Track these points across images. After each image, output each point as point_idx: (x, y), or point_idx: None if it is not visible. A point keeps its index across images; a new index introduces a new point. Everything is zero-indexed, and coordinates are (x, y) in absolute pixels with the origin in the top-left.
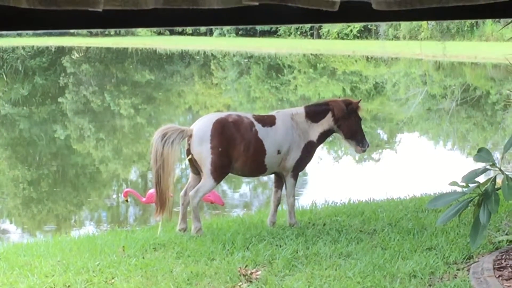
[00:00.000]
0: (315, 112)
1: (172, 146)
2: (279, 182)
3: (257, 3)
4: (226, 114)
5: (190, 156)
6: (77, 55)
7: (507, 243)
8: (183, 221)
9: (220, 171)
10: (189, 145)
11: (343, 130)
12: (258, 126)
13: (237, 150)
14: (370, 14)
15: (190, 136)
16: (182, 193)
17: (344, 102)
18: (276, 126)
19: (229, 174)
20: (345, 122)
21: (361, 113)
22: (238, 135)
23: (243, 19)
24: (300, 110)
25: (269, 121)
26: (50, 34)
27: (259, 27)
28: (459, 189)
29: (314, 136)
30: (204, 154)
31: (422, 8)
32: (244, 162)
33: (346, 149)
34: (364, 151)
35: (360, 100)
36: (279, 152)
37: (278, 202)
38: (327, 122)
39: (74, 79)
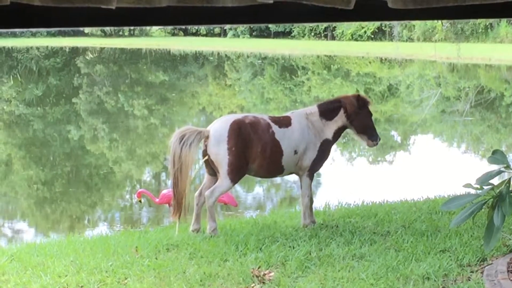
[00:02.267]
0: (328, 110)
1: (190, 148)
2: None
3: (271, 1)
4: (243, 115)
5: (206, 157)
6: (91, 56)
7: None
8: (197, 221)
9: (237, 172)
10: (205, 146)
11: (355, 125)
12: (275, 128)
13: (254, 151)
14: (386, 13)
15: (207, 137)
16: (196, 193)
17: (355, 97)
18: (292, 126)
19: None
20: (357, 117)
21: (375, 115)
22: (255, 136)
23: (257, 18)
24: (314, 109)
25: (285, 122)
26: (65, 35)
27: (273, 28)
28: (473, 191)
29: (329, 134)
30: (221, 155)
31: (438, 6)
32: (261, 163)
33: (360, 151)
34: (375, 145)
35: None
36: (295, 152)
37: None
38: (340, 119)
39: (88, 79)
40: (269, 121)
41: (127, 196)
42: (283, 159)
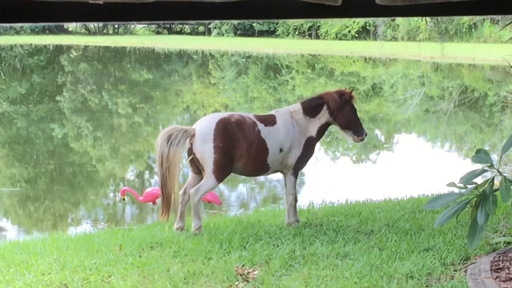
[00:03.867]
0: (311, 107)
1: (177, 148)
2: None
3: None
4: (229, 114)
5: (191, 157)
6: (75, 54)
7: (505, 245)
8: (181, 219)
9: (223, 170)
10: (191, 144)
11: (339, 121)
12: (260, 126)
13: (240, 149)
14: (374, 9)
15: (193, 135)
16: (181, 192)
17: (337, 93)
18: (277, 125)
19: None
20: (340, 113)
21: (359, 114)
22: (240, 135)
23: (244, 13)
24: (297, 107)
25: (270, 121)
26: (48, 32)
27: (257, 27)
28: (456, 190)
29: (313, 131)
30: (207, 153)
31: (426, 3)
32: (247, 161)
33: (344, 149)
34: (362, 140)
35: (353, 90)
36: (281, 150)
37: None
38: (323, 115)
39: (72, 77)
40: (255, 119)
41: (111, 194)
42: (268, 157)
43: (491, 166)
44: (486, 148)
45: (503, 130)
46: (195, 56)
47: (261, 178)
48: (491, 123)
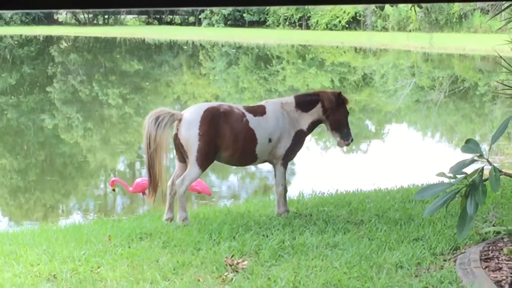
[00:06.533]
0: (305, 102)
1: (164, 130)
2: None
3: None
4: (218, 104)
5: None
6: (65, 45)
7: (494, 234)
8: (170, 210)
9: (206, 159)
10: (177, 130)
11: (330, 121)
12: (249, 116)
13: (226, 140)
14: None
15: (179, 120)
16: (169, 183)
17: (333, 94)
18: (266, 115)
19: (218, 163)
20: (334, 113)
21: (349, 104)
22: (227, 125)
23: (236, 0)
24: (290, 99)
25: (259, 111)
26: (38, 23)
27: (247, 17)
28: (446, 180)
29: (304, 125)
30: (192, 139)
31: None
32: (234, 151)
33: (334, 139)
34: (347, 145)
35: (340, 92)
36: (270, 140)
37: (285, 192)
38: (317, 112)
39: (62, 68)
40: (243, 110)
41: (101, 185)
42: (257, 147)
43: (481, 156)
44: (477, 138)
45: (493, 120)
46: (186, 47)
47: (252, 168)
48: (481, 113)
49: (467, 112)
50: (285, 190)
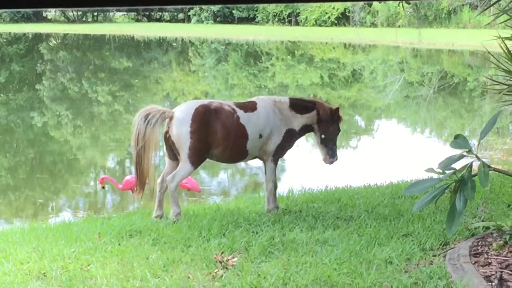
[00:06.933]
0: (300, 106)
1: (154, 127)
2: None
3: None
4: (208, 101)
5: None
6: (55, 42)
7: (483, 230)
8: (159, 208)
9: (198, 156)
10: (168, 127)
11: (321, 133)
12: (240, 113)
13: (217, 137)
14: None
15: (171, 118)
16: (158, 180)
17: (330, 108)
18: (257, 111)
19: (208, 160)
20: (326, 125)
21: (339, 101)
22: (219, 122)
23: None
24: (284, 99)
25: (250, 107)
26: (27, 20)
27: (236, 14)
28: (435, 176)
29: (296, 126)
30: (183, 137)
31: None
32: (225, 148)
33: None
34: (331, 162)
35: (339, 107)
36: (260, 136)
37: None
38: (311, 117)
39: (51, 66)
40: (234, 106)
41: (91, 183)
42: (248, 143)
43: (470, 151)
44: (466, 133)
45: (483, 116)
46: (175, 44)
47: (242, 165)
48: (470, 108)
49: (456, 108)
50: (275, 187)
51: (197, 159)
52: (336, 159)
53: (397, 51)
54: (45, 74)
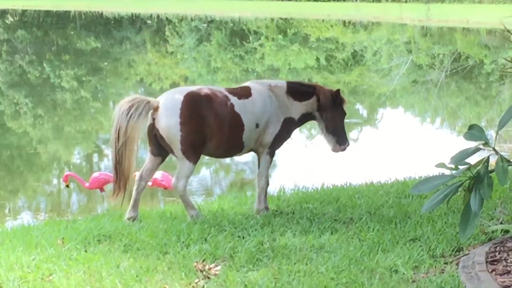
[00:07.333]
0: (298, 91)
1: (137, 121)
2: None
3: None
4: (198, 87)
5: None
6: (12, 19)
7: (502, 233)
8: (134, 208)
9: (193, 150)
10: (153, 119)
11: (325, 121)
12: (233, 100)
13: (211, 127)
14: None
15: (156, 109)
16: (137, 177)
17: (331, 91)
18: (252, 97)
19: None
20: (329, 112)
21: (337, 85)
22: (211, 110)
23: None
24: (281, 83)
25: (244, 93)
26: None
27: None
28: (447, 172)
29: (295, 114)
30: (173, 130)
31: None
32: (220, 140)
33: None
34: (343, 150)
35: (339, 90)
36: (257, 126)
37: (266, 186)
38: (311, 105)
39: (8, 46)
40: (227, 93)
41: (54, 181)
42: (244, 134)
43: (486, 144)
44: (482, 123)
45: (501, 103)
46: (150, 21)
47: (227, 160)
48: (488, 95)
49: (471, 94)
50: (267, 184)
51: (192, 153)
52: (348, 144)
53: (404, 29)
54: (0, 56)
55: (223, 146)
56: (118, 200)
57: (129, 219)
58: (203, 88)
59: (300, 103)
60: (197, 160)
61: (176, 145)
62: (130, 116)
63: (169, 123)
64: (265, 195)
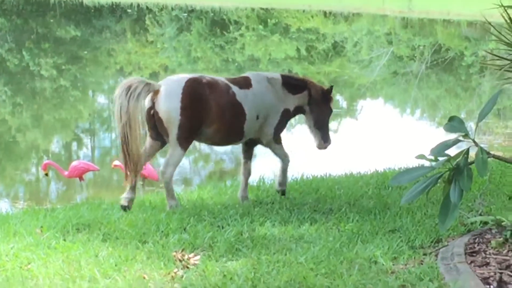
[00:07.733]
0: (292, 84)
1: (138, 100)
2: (248, 152)
3: None
4: (199, 75)
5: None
6: None
7: (481, 225)
8: (131, 190)
9: (188, 137)
10: (153, 102)
11: (314, 116)
12: (235, 89)
13: (211, 115)
14: None
15: (156, 92)
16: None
17: (321, 88)
18: (253, 88)
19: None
20: (318, 107)
21: (318, 77)
22: (213, 97)
23: None
24: (276, 75)
25: (245, 83)
26: None
27: None
28: (427, 163)
29: (291, 105)
30: (173, 113)
31: None
32: (220, 127)
33: (298, 117)
34: (326, 147)
35: (332, 86)
36: (258, 117)
37: (248, 175)
38: (303, 98)
39: None
40: (227, 82)
41: (32, 169)
42: (245, 123)
43: (466, 135)
44: (462, 115)
45: (481, 95)
46: (130, 10)
47: (206, 149)
48: (468, 86)
49: (451, 86)
50: (249, 174)
51: (186, 140)
52: (330, 143)
53: (385, 20)
54: None
55: (224, 133)
56: (131, 183)
57: (125, 198)
58: (205, 76)
59: (293, 96)
60: (187, 148)
61: (173, 130)
62: (130, 95)
63: (170, 107)
64: (246, 185)
